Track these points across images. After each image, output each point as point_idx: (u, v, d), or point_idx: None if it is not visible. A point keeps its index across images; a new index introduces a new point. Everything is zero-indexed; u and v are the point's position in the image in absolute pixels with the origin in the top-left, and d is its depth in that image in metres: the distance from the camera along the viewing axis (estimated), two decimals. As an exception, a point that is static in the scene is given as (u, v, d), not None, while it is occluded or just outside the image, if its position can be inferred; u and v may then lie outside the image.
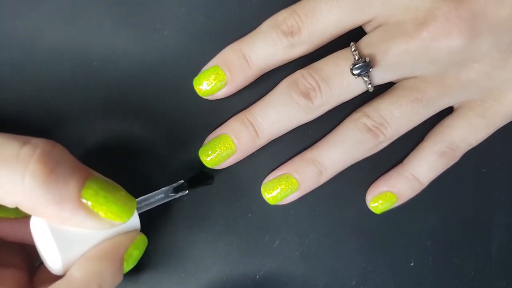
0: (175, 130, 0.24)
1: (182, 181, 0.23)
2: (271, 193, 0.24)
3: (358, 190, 0.26)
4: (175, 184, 0.23)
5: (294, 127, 0.24)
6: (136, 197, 0.21)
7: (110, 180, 0.19)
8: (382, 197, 0.25)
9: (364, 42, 0.23)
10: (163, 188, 0.23)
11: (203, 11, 0.24)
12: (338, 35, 0.23)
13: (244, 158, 0.24)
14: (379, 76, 0.23)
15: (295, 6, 0.23)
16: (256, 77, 0.24)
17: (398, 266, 0.27)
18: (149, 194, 0.22)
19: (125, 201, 0.19)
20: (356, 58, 0.22)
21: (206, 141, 0.24)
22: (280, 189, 0.24)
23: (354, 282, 0.26)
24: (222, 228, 0.25)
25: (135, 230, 0.21)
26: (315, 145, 0.25)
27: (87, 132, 0.24)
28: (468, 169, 0.27)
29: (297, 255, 0.26)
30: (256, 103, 0.24)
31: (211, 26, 0.24)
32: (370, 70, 0.22)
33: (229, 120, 0.24)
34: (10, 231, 0.21)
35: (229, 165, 0.24)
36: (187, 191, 0.23)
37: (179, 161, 0.24)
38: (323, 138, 0.25)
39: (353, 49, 0.22)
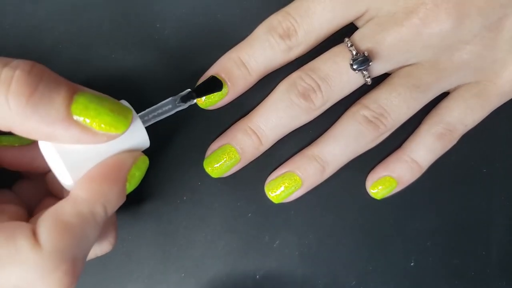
0: (175, 130, 0.24)
1: (189, 89, 0.22)
2: (275, 191, 0.24)
3: (358, 190, 0.26)
4: (182, 93, 0.21)
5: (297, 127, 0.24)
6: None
7: (100, 93, 0.18)
8: (382, 182, 0.25)
9: (358, 36, 0.23)
10: (170, 98, 0.21)
11: (203, 11, 0.24)
12: (333, 32, 0.23)
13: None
14: (377, 68, 0.23)
15: (289, 8, 0.23)
16: (256, 82, 0.24)
17: (398, 266, 0.27)
18: (156, 105, 0.21)
19: (119, 111, 0.18)
20: (354, 53, 0.22)
21: (209, 152, 0.24)
22: (283, 187, 0.24)
23: (354, 282, 0.26)
24: (222, 228, 0.25)
25: (138, 150, 0.20)
26: (316, 141, 0.25)
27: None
28: (468, 169, 0.27)
29: (297, 255, 0.26)
30: (256, 109, 0.24)
31: (211, 26, 0.24)
32: (370, 64, 0.22)
33: (230, 130, 0.24)
34: (15, 159, 0.21)
35: (233, 172, 0.24)
36: (195, 100, 0.22)
37: (179, 159, 0.24)
38: (324, 134, 0.25)
39: (349, 45, 0.22)
